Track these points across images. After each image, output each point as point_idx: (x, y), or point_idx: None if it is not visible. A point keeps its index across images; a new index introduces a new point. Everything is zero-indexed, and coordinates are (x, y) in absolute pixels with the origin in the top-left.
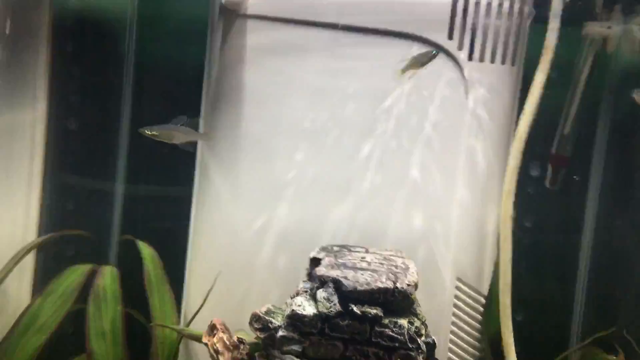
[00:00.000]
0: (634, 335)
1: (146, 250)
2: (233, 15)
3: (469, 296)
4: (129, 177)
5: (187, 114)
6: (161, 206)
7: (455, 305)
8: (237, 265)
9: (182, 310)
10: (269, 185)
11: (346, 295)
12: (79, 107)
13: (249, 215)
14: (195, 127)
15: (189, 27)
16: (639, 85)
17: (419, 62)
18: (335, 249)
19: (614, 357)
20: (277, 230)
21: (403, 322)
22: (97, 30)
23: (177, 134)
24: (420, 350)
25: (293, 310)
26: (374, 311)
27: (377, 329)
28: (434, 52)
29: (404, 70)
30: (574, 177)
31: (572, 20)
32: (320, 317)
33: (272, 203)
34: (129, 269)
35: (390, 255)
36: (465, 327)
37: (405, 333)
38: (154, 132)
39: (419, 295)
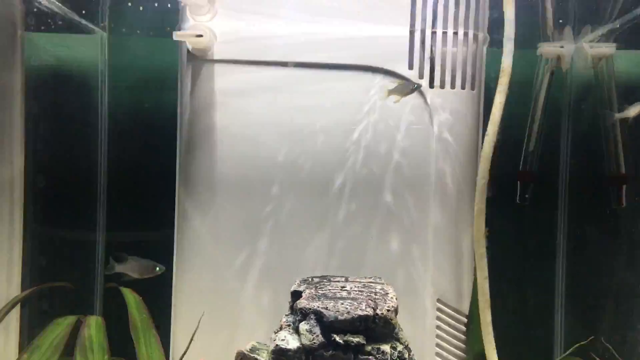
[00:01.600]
0: (614, 342)
1: (130, 297)
2: (201, 61)
3: (451, 316)
4: (109, 225)
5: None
6: (143, 252)
7: (438, 327)
8: (222, 304)
9: (171, 354)
10: (247, 222)
11: (328, 325)
12: (56, 161)
13: (230, 253)
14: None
15: (160, 74)
16: (594, 98)
17: (402, 91)
18: (316, 280)
19: None
20: (258, 266)
21: (386, 347)
22: (70, 84)
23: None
24: None
25: (277, 345)
26: (356, 339)
27: (360, 356)
28: (415, 85)
29: (389, 93)
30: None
31: (526, 42)
32: (304, 349)
33: (252, 239)
34: (114, 317)
35: (369, 282)
36: (450, 347)
37: (389, 359)
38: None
39: (401, 320)
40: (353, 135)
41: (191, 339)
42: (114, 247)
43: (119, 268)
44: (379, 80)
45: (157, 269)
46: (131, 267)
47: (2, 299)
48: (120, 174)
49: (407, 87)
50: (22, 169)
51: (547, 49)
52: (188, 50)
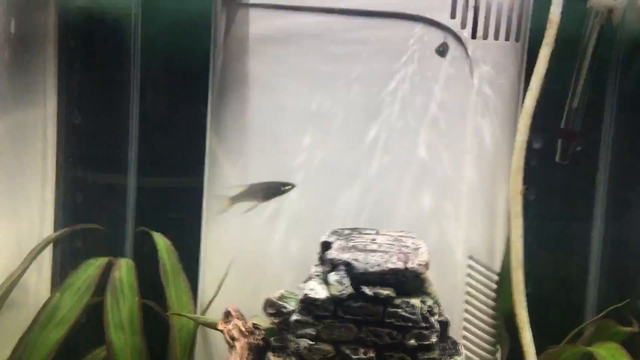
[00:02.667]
0: None
1: (161, 241)
2: (235, 5)
3: (482, 274)
4: (140, 170)
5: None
6: (174, 197)
7: (468, 284)
8: (251, 252)
9: (199, 299)
10: (278, 171)
11: (357, 277)
12: (88, 103)
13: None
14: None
15: (193, 19)
16: None
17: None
18: (346, 232)
19: (628, 328)
20: (288, 215)
21: (415, 301)
22: (103, 27)
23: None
24: (433, 329)
25: (306, 294)
26: (385, 292)
27: (389, 309)
28: (288, 186)
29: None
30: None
31: None
32: (332, 300)
33: None
34: (145, 261)
35: (401, 236)
36: (479, 304)
37: (418, 312)
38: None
39: (431, 275)
40: (389, 86)
41: (219, 286)
42: (145, 191)
43: (235, 202)
44: (418, 29)
45: (284, 188)
46: (252, 195)
47: (35, 237)
48: (152, 118)
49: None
50: (55, 110)
51: (598, 0)
52: None
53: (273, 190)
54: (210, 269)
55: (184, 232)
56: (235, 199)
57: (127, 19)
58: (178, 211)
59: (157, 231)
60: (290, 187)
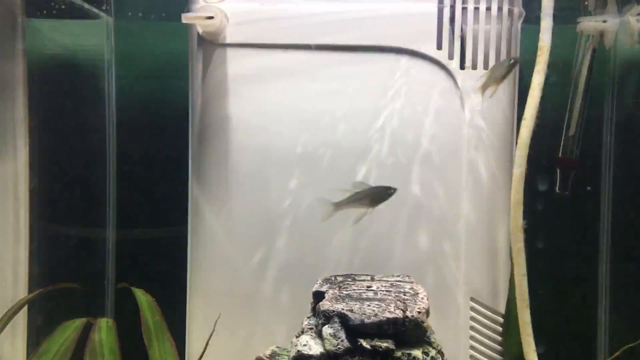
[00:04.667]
0: None
1: (143, 298)
2: (212, 45)
3: (486, 316)
4: (120, 222)
5: None
6: (157, 250)
7: (472, 327)
8: (239, 305)
9: (187, 358)
10: (264, 217)
11: (353, 329)
12: (62, 154)
13: (247, 251)
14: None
15: (169, 61)
16: None
17: (497, 76)
18: (339, 279)
19: None
20: (277, 264)
21: (417, 353)
22: (75, 74)
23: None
24: None
25: (298, 350)
26: (384, 344)
27: None
28: (510, 61)
29: (483, 88)
30: (587, 187)
31: (565, 17)
32: (327, 355)
33: (269, 235)
34: (127, 319)
35: (397, 281)
36: (485, 349)
37: None
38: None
39: (432, 320)
40: (377, 122)
41: (207, 343)
42: (125, 245)
43: (339, 208)
44: (404, 61)
45: (389, 192)
46: (358, 201)
47: (9, 300)
48: (130, 168)
49: (500, 67)
50: (26, 164)
51: (588, 24)
52: (198, 34)
53: (378, 195)
54: (197, 326)
55: (168, 287)
56: (340, 205)
57: (100, 64)
58: (162, 265)
59: (140, 287)
60: (393, 190)
